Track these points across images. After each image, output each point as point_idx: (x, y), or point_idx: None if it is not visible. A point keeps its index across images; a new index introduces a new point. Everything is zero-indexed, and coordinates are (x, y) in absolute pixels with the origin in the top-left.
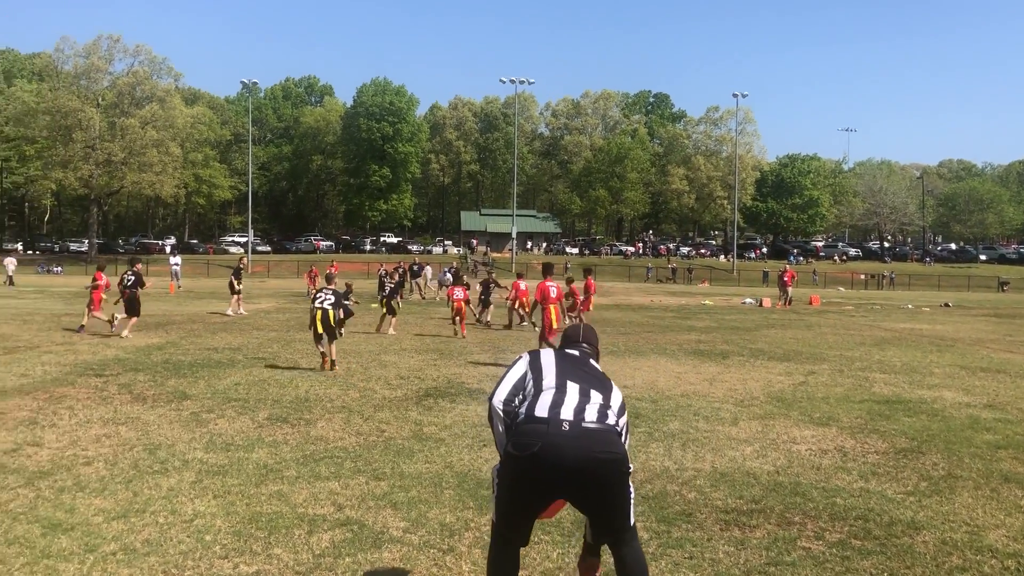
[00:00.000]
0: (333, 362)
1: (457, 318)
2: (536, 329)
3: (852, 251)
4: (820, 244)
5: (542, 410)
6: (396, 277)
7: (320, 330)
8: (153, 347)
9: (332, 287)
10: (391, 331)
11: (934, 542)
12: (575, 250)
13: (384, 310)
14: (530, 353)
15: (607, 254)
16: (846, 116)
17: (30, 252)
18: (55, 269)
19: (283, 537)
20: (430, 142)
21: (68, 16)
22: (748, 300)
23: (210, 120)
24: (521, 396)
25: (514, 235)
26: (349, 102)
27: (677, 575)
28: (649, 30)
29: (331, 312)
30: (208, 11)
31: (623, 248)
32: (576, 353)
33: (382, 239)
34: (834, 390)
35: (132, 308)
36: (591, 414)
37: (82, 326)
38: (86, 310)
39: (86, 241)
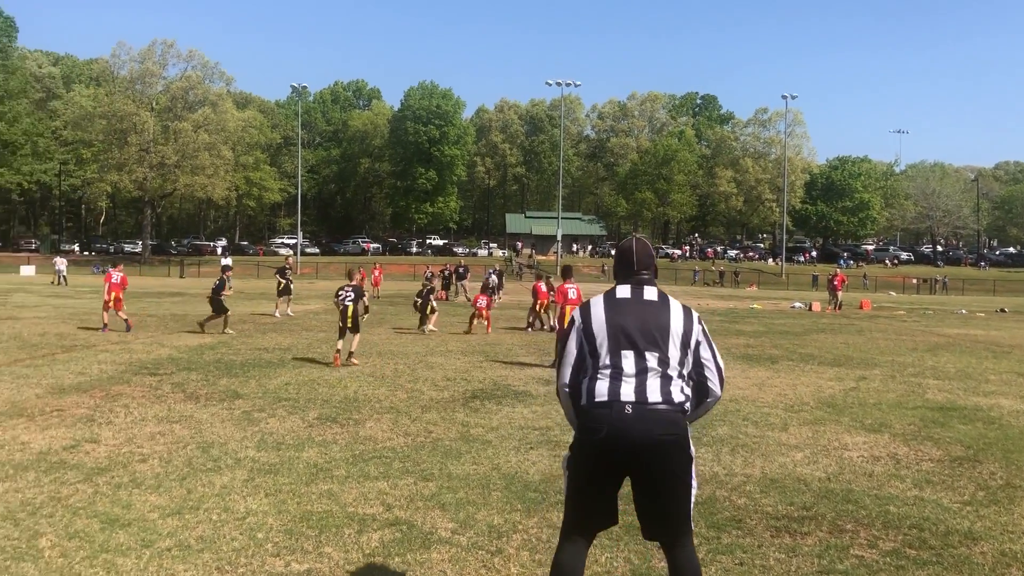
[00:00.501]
0: (351, 353)
1: (475, 320)
2: (545, 330)
3: (904, 255)
4: (871, 248)
5: (603, 393)
6: (435, 281)
7: (347, 324)
8: (205, 347)
9: (353, 283)
10: (431, 327)
11: (992, 553)
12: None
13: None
14: (581, 314)
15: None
16: (898, 117)
17: (86, 253)
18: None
19: (333, 536)
20: (476, 145)
21: (123, 22)
22: (797, 304)
23: (260, 123)
24: (582, 374)
25: (559, 238)
26: (396, 105)
27: None
28: (697, 32)
29: (350, 307)
30: (258, 16)
31: (669, 251)
32: (627, 295)
33: (428, 241)
34: (886, 396)
35: (216, 308)
36: (653, 392)
37: (126, 323)
38: (108, 311)
39: (140, 242)
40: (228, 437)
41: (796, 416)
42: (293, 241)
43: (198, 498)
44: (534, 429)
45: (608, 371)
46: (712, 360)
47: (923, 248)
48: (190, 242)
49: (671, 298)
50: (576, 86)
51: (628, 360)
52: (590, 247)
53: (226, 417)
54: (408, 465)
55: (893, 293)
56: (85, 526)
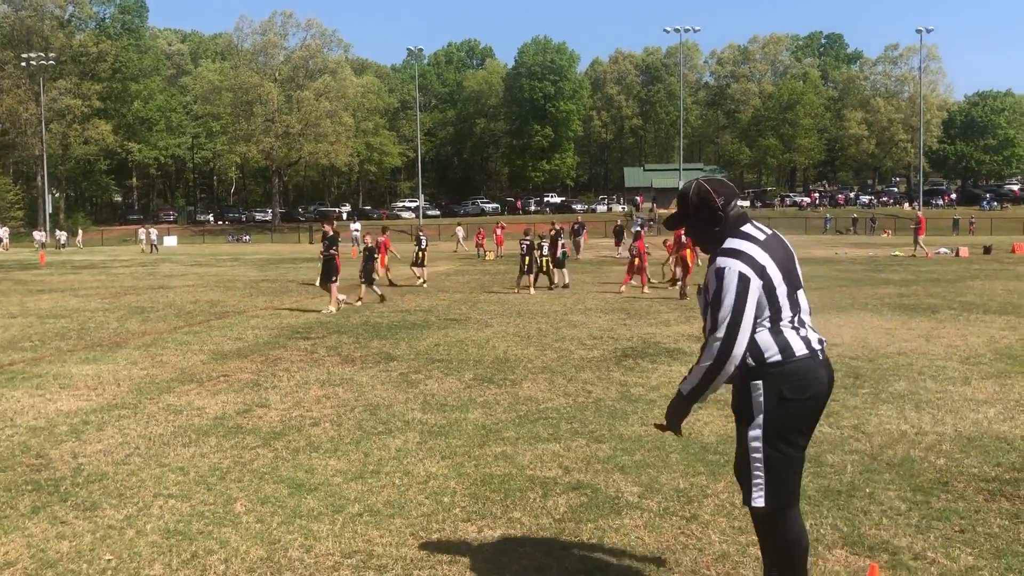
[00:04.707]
0: (360, 298)
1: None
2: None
3: None
4: (1017, 188)
5: (800, 344)
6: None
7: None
8: (350, 310)
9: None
10: (531, 290)
11: None
12: (746, 203)
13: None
14: (754, 270)
15: (780, 206)
16: None
17: (220, 222)
18: (244, 238)
19: (519, 500)
20: (591, 98)
21: None
22: (943, 250)
23: (378, 89)
24: (764, 327)
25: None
26: (510, 63)
27: (952, 550)
28: None
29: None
30: None
31: (798, 199)
32: (763, 235)
33: (546, 199)
34: None
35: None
36: (819, 333)
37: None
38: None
39: (269, 211)
40: (392, 399)
41: (976, 369)
42: (415, 204)
43: (377, 461)
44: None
45: (791, 320)
46: None
47: None
48: (316, 208)
49: None
50: (695, 32)
51: (803, 300)
52: None
53: (385, 379)
54: (576, 426)
55: None
56: (274, 491)
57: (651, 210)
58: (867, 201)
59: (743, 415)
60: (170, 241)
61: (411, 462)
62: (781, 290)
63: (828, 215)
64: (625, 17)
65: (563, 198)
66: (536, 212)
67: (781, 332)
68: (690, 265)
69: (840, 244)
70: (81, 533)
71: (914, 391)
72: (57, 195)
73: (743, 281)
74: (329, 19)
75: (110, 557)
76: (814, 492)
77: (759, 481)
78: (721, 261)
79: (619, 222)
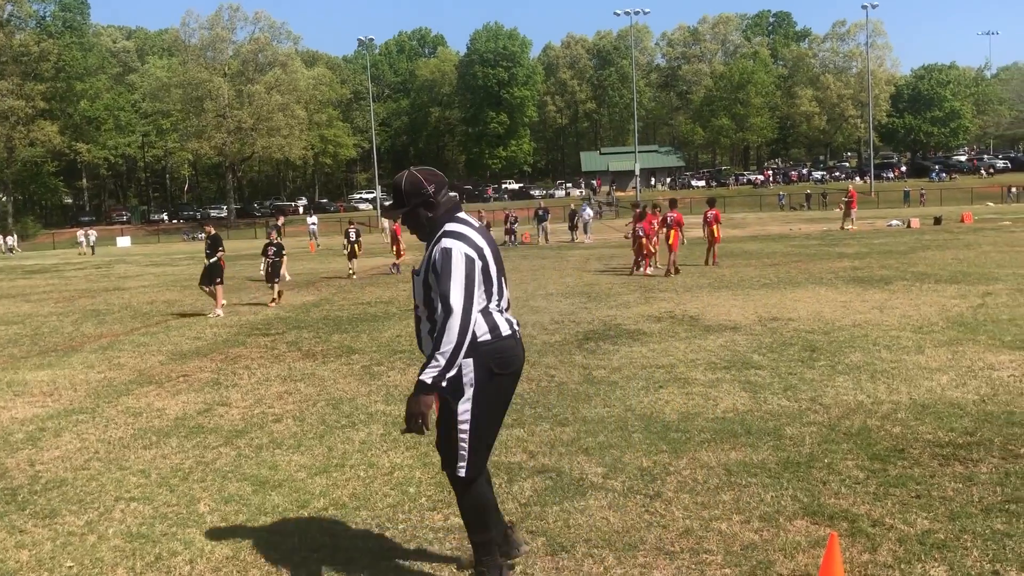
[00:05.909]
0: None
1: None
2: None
3: (1000, 163)
4: (965, 157)
5: (504, 326)
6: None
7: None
8: (309, 304)
9: (278, 240)
10: None
11: None
12: (701, 183)
13: None
14: (476, 252)
15: (735, 184)
16: (985, 18)
17: (175, 221)
18: (200, 236)
19: None
20: (545, 84)
21: None
22: (895, 222)
23: (330, 80)
24: (482, 302)
25: (637, 172)
26: (462, 51)
27: (909, 515)
28: None
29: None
30: None
31: (752, 177)
32: (476, 223)
33: (504, 186)
34: (1019, 311)
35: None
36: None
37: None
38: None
39: (224, 207)
40: (354, 392)
41: (928, 338)
42: (372, 195)
43: (341, 455)
44: (658, 367)
45: (497, 303)
46: None
47: (1021, 155)
48: (272, 203)
49: None
50: (645, 14)
51: (505, 288)
52: (669, 179)
53: (347, 372)
54: (539, 410)
55: (991, 204)
56: (238, 489)
57: (609, 193)
58: (820, 177)
59: (454, 391)
60: (123, 242)
61: (375, 454)
62: (494, 275)
63: (781, 192)
64: (576, 1)
65: (521, 184)
66: (497, 199)
67: (491, 314)
68: (674, 247)
69: (794, 220)
70: (41, 541)
71: (869, 362)
72: (4, 199)
73: (470, 262)
74: (277, 11)
75: (71, 564)
76: (774, 464)
77: (464, 452)
78: (446, 242)
79: (572, 206)
